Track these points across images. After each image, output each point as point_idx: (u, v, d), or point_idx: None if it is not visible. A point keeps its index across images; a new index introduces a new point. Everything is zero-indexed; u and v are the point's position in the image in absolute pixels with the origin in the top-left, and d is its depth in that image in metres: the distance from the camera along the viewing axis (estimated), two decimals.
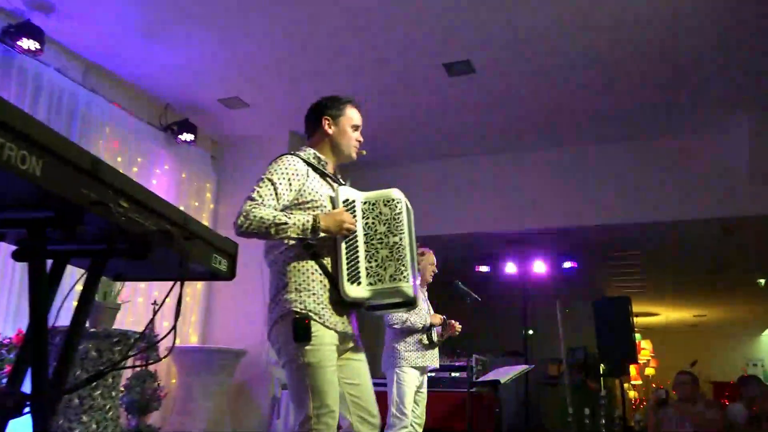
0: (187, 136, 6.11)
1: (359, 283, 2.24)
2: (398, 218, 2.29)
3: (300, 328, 2.18)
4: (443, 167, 7.49)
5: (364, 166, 7.31)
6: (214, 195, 6.83)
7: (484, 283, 8.55)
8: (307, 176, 2.34)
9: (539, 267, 8.47)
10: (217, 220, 6.79)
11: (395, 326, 4.17)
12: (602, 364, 7.27)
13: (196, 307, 6.42)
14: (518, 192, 7.15)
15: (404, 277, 2.23)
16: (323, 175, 2.43)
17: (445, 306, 4.61)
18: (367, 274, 2.24)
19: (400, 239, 2.27)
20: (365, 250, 2.27)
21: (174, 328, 1.52)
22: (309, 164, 2.40)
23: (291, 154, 2.41)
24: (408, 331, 4.20)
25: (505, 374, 4.89)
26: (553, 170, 7.06)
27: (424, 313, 4.28)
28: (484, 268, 8.58)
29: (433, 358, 4.28)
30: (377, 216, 2.31)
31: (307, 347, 2.19)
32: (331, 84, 5.78)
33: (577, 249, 8.44)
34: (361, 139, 2.53)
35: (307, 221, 2.23)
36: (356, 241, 2.28)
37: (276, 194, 2.28)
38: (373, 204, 2.33)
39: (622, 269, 10.01)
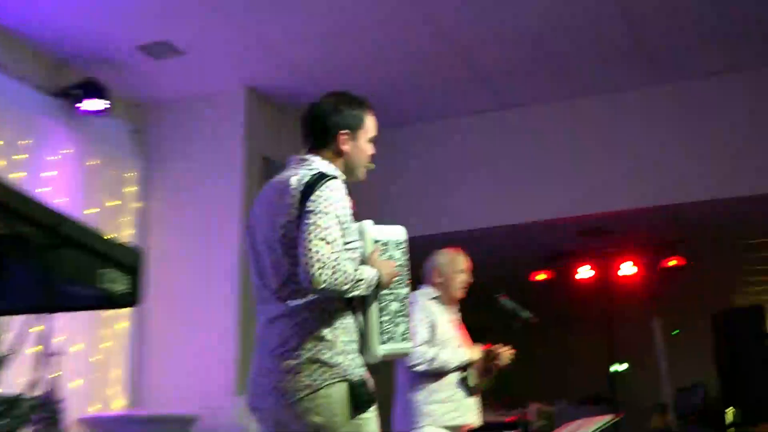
0: (95, 104, 6.10)
1: (383, 343, 2.70)
2: (407, 264, 2.80)
3: (364, 394, 2.58)
4: (472, 127, 7.53)
5: None
6: (141, 186, 6.84)
7: (544, 296, 8.52)
8: (349, 208, 2.69)
9: (628, 268, 8.42)
10: (148, 226, 6.81)
11: (419, 367, 4.15)
12: (730, 410, 7.21)
13: (119, 357, 6.43)
14: (594, 156, 7.16)
15: (410, 336, 2.80)
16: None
17: (482, 334, 4.57)
18: (381, 332, 2.70)
19: (407, 291, 2.80)
20: (378, 302, 2.72)
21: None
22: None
23: (333, 176, 2.69)
24: (436, 375, 4.19)
25: (580, 430, 4.87)
26: (650, 116, 7.05)
27: (457, 346, 4.25)
28: (543, 275, 8.54)
29: (471, 412, 4.27)
30: (393, 259, 2.78)
31: (366, 415, 2.59)
32: (301, 17, 5.70)
33: (687, 238, 8.40)
34: (373, 151, 2.90)
35: (375, 276, 2.64)
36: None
37: (341, 236, 2.59)
38: (385, 245, 2.78)
39: (760, 266, 9.96)
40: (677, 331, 10.64)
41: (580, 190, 7.12)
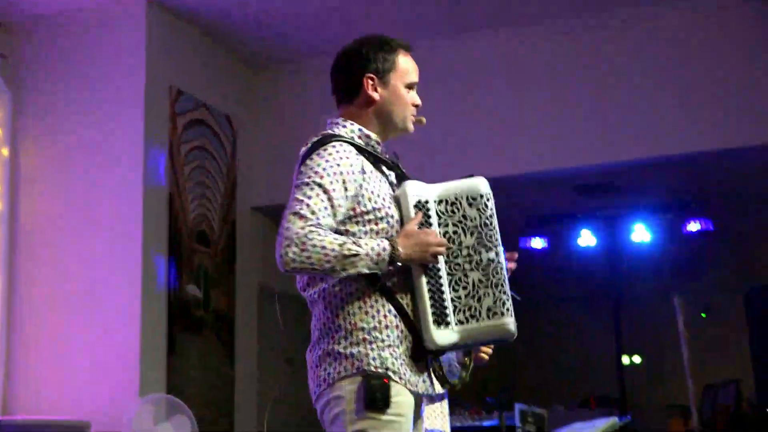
0: None
1: (447, 325, 2.81)
2: (490, 223, 2.87)
3: (377, 391, 2.73)
4: (449, 50, 7.51)
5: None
6: (8, 130, 6.75)
7: (535, 268, 8.55)
8: (363, 172, 2.88)
9: (641, 234, 8.50)
10: (19, 179, 6.73)
11: None
12: None
13: None
14: (591, 94, 7.19)
15: (507, 309, 2.82)
16: (377, 161, 2.97)
17: None
18: (456, 309, 2.83)
19: (497, 255, 2.85)
20: (448, 274, 2.85)
21: None
22: (359, 150, 2.93)
23: (335, 137, 2.92)
24: None
25: None
26: (664, 44, 7.10)
27: None
28: (537, 243, 8.59)
29: (435, 416, 4.18)
30: (460, 222, 2.88)
31: (384, 417, 2.75)
32: None
33: (714, 196, 8.42)
34: (419, 101, 3.09)
35: (383, 249, 2.76)
36: (438, 264, 2.84)
37: (332, 207, 2.78)
38: (453, 204, 2.90)
39: None
40: (704, 314, 10.76)
41: (576, 136, 7.15)
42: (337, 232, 2.78)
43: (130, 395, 6.15)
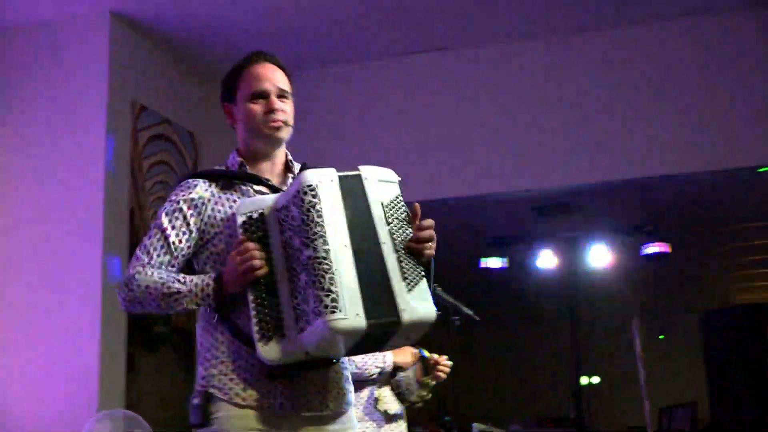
0: None
1: (282, 337, 2.72)
2: (308, 217, 2.72)
3: (193, 409, 2.83)
4: (387, 72, 7.53)
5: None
6: None
7: (495, 288, 8.58)
8: (209, 201, 2.98)
9: (600, 256, 8.56)
10: None
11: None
12: None
13: None
14: (549, 115, 7.22)
15: (326, 307, 2.62)
16: (246, 180, 3.04)
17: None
18: (296, 317, 2.72)
19: (314, 250, 2.68)
20: (289, 281, 2.76)
21: None
22: (214, 177, 3.05)
23: (197, 174, 3.07)
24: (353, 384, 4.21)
25: None
26: (621, 68, 7.16)
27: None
28: (494, 262, 8.62)
29: None
30: (291, 226, 2.78)
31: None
32: None
33: (670, 219, 8.51)
34: (278, 106, 3.07)
35: (207, 285, 2.83)
36: (274, 274, 2.78)
37: (168, 245, 2.91)
38: (285, 208, 2.80)
39: (758, 256, 10.21)
40: (662, 336, 10.84)
41: (535, 157, 7.18)
42: (188, 264, 2.96)
43: (88, 409, 6.09)
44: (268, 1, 6.61)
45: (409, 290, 2.71)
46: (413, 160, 7.31)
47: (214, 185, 3.00)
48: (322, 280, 2.63)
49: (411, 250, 2.78)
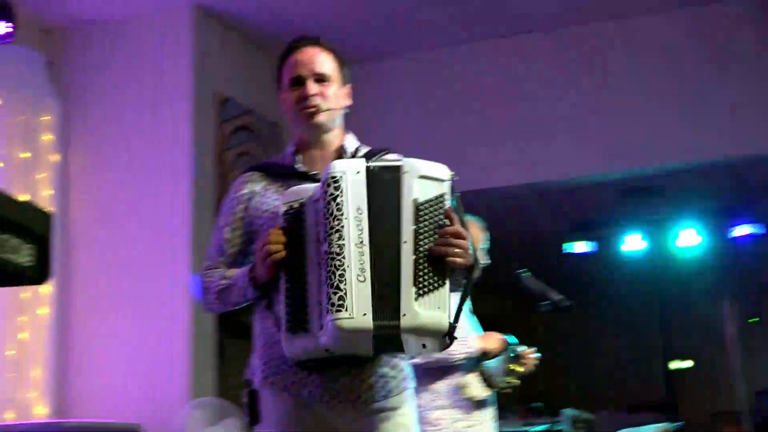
0: None
1: (306, 331, 2.68)
2: (328, 210, 2.66)
3: (245, 408, 2.90)
4: (477, 57, 7.49)
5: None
6: (59, 135, 6.81)
7: (581, 273, 8.55)
8: (257, 193, 3.02)
9: (689, 238, 8.44)
10: (67, 185, 6.79)
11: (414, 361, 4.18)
12: None
13: (39, 352, 6.44)
14: (638, 97, 7.13)
15: (333, 305, 2.58)
16: (292, 176, 3.01)
17: (496, 325, 4.60)
18: (320, 313, 2.66)
19: (329, 244, 2.63)
20: (318, 277, 2.69)
21: None
22: (268, 170, 3.10)
23: (251, 168, 3.14)
24: (438, 371, 4.25)
25: None
26: (709, 47, 7.06)
27: (465, 334, 4.28)
28: (581, 246, 8.57)
29: (485, 422, 4.30)
30: (319, 216, 2.72)
31: None
32: None
33: (761, 199, 8.40)
34: (312, 91, 3.01)
35: (244, 274, 2.87)
36: (305, 267, 2.72)
37: (225, 242, 3.03)
38: (317, 199, 2.75)
39: None
40: (756, 319, 10.67)
41: (622, 139, 7.12)
42: (245, 257, 3.00)
43: (180, 399, 6.19)
44: None
45: (420, 295, 2.61)
46: (498, 145, 7.29)
47: (266, 177, 3.05)
48: (332, 276, 2.60)
49: (436, 255, 2.65)
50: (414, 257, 2.63)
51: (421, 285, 2.61)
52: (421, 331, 2.63)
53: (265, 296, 2.87)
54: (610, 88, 7.19)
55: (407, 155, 2.82)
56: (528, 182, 7.31)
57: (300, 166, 3.04)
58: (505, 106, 7.39)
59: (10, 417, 6.07)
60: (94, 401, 6.46)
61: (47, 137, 6.71)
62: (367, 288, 2.60)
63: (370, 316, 2.58)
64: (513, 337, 4.50)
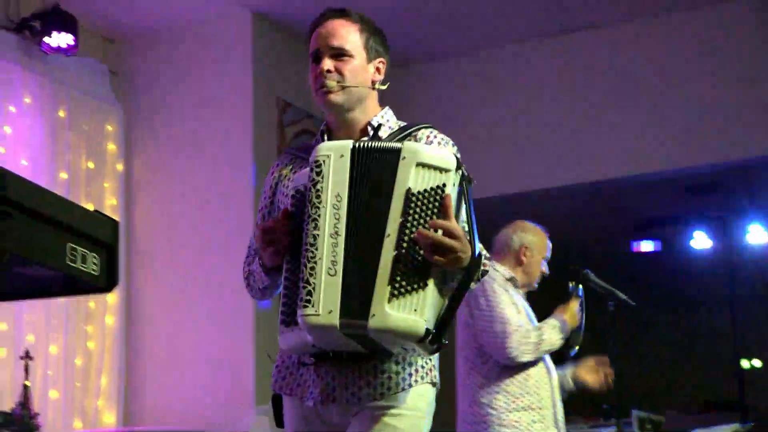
0: (61, 38, 6.13)
1: (289, 326, 2.56)
2: (309, 196, 2.52)
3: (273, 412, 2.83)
4: (533, 54, 7.46)
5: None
6: (122, 144, 6.88)
7: (646, 273, 8.47)
8: (284, 177, 2.88)
9: (757, 235, 8.34)
10: (132, 192, 6.86)
11: (525, 356, 4.23)
12: None
13: (106, 360, 6.51)
14: (700, 88, 7.04)
15: (307, 301, 2.44)
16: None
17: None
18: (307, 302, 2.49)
19: (305, 234, 2.49)
20: (309, 268, 2.51)
21: None
22: (296, 155, 2.94)
23: (283, 152, 3.09)
24: (518, 371, 4.31)
25: None
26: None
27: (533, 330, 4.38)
28: (646, 245, 8.48)
29: (555, 425, 4.38)
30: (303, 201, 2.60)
31: None
32: None
33: None
34: (327, 66, 2.83)
35: (260, 258, 2.77)
36: (298, 252, 2.55)
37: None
38: (304, 187, 2.62)
39: None
40: None
41: (686, 134, 7.02)
42: None
43: (246, 405, 6.22)
44: None
45: (395, 296, 2.39)
46: (560, 144, 7.23)
47: (294, 160, 2.91)
48: (304, 269, 2.45)
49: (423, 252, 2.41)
50: (395, 253, 2.41)
51: (397, 284, 2.40)
52: (391, 334, 2.42)
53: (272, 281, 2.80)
54: (674, 82, 7.09)
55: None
56: (590, 181, 7.24)
57: None
58: (563, 105, 7.34)
59: (78, 426, 6.13)
60: (160, 409, 6.52)
61: (111, 146, 6.79)
62: (337, 283, 2.43)
63: (336, 313, 2.41)
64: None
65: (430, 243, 2.38)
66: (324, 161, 2.51)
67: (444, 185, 2.45)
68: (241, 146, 6.64)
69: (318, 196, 2.48)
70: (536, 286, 4.58)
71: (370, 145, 2.56)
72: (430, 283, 2.41)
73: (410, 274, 2.40)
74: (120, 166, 6.82)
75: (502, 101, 7.47)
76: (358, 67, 2.82)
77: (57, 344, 6.05)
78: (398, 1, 6.62)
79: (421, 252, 2.40)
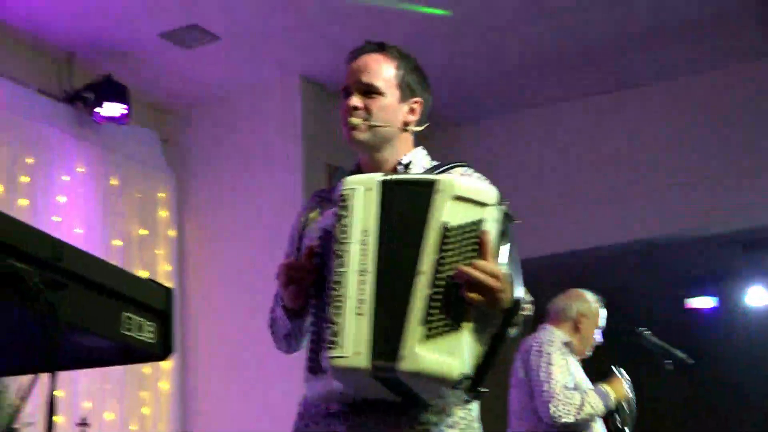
0: (113, 108, 6.23)
1: (316, 373, 2.40)
2: (335, 232, 2.36)
3: None
4: (579, 112, 7.46)
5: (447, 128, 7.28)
6: (174, 210, 6.97)
7: (704, 328, 8.37)
8: (306, 225, 2.75)
9: None
10: (184, 258, 6.92)
11: (566, 418, 4.29)
12: None
13: (161, 426, 6.55)
14: (760, 144, 6.99)
15: (332, 342, 2.28)
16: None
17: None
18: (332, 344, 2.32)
19: (330, 272, 2.35)
20: (335, 308, 2.35)
21: None
22: (324, 197, 2.82)
23: (314, 194, 2.96)
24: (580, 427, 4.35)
25: None
26: None
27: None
28: (700, 302, 8.40)
29: None
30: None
31: None
32: None
33: None
34: (354, 103, 2.67)
35: (279, 299, 2.64)
36: (324, 293, 2.40)
37: None
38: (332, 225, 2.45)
39: None
40: None
41: (743, 192, 6.95)
42: None
43: None
44: (453, 54, 6.67)
45: (429, 337, 2.22)
46: (612, 201, 7.19)
47: (322, 202, 2.75)
48: (330, 309, 2.29)
49: (458, 292, 2.25)
50: (429, 291, 2.25)
51: (431, 325, 2.23)
52: (423, 378, 2.24)
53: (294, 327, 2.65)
54: (728, 138, 7.05)
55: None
56: (645, 238, 7.19)
57: None
58: (613, 162, 7.30)
59: None
60: None
61: (163, 213, 6.86)
62: (365, 323, 2.26)
63: (365, 355, 2.24)
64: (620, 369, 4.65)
65: (468, 281, 2.23)
66: (350, 195, 2.35)
67: (482, 219, 2.30)
68: (291, 211, 6.65)
69: (344, 232, 2.32)
70: (589, 354, 4.71)
71: (400, 178, 2.43)
72: (467, 325, 2.24)
73: (445, 315, 2.24)
74: (172, 232, 6.89)
75: (552, 159, 7.45)
76: (388, 106, 2.67)
77: (113, 410, 6.08)
78: (450, 58, 6.66)
79: (458, 291, 2.24)
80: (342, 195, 2.36)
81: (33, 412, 4.93)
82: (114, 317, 1.70)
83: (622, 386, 4.51)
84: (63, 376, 5.80)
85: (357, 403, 2.42)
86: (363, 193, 2.34)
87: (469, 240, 2.28)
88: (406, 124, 2.71)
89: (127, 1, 5.89)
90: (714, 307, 8.54)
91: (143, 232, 6.69)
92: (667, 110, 7.25)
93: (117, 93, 6.24)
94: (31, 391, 1.54)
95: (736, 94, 7.07)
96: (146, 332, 1.77)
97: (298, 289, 2.46)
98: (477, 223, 2.29)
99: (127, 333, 1.72)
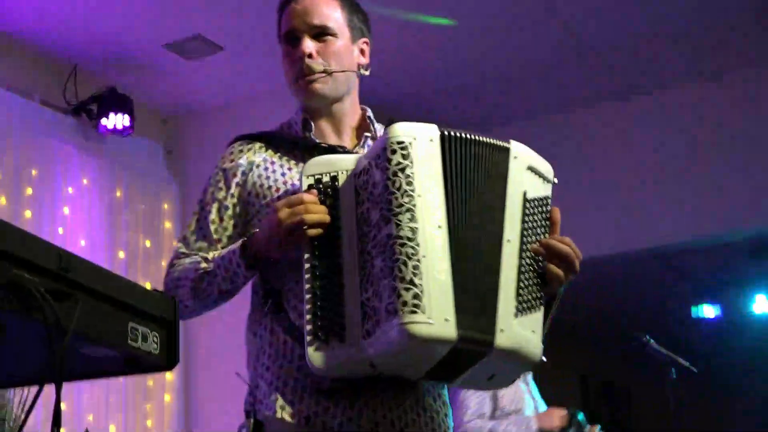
0: (118, 119, 6.24)
1: (341, 340, 2.06)
2: (394, 183, 2.05)
3: None
4: (593, 119, 7.46)
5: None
6: (178, 221, 6.95)
7: (709, 337, 8.36)
8: (257, 167, 2.41)
9: None
10: None
11: None
12: None
13: None
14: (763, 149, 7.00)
15: (405, 304, 1.96)
16: (306, 149, 2.40)
17: (612, 393, 4.55)
18: (365, 316, 2.05)
19: (397, 227, 2.02)
20: (360, 269, 2.09)
21: None
22: (267, 141, 2.47)
23: (248, 136, 2.51)
24: None
25: None
26: None
27: (524, 407, 4.31)
28: (707, 311, 8.41)
29: None
30: (370, 192, 2.12)
31: None
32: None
33: None
34: (308, 48, 2.40)
35: (233, 251, 2.26)
36: (340, 257, 2.12)
37: (207, 225, 2.40)
38: (366, 171, 2.15)
39: None
40: None
41: (749, 196, 6.96)
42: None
43: None
44: (462, 62, 6.67)
45: (520, 311, 2.05)
46: (617, 208, 7.19)
47: (268, 148, 2.46)
48: (403, 267, 1.97)
49: (538, 266, 2.12)
50: (518, 262, 2.08)
51: (523, 298, 2.06)
52: (513, 356, 2.05)
53: (269, 294, 2.32)
54: (736, 145, 7.05)
55: None
56: (649, 246, 7.18)
57: (313, 138, 2.43)
58: (620, 168, 7.31)
59: None
60: None
61: (168, 224, 6.87)
62: (449, 287, 1.99)
63: (453, 323, 1.97)
64: (581, 413, 4.37)
65: (557, 254, 2.13)
66: (410, 143, 2.07)
67: (549, 196, 2.22)
68: None
69: (410, 183, 2.03)
70: None
71: (462, 135, 2.15)
72: (542, 300, 2.13)
73: (533, 290, 2.10)
74: (176, 243, 6.84)
75: (562, 169, 7.44)
76: (343, 49, 2.44)
77: (116, 423, 6.08)
78: (460, 66, 6.68)
79: (541, 265, 2.12)
80: (401, 142, 2.07)
81: (35, 424, 4.95)
82: (120, 327, 1.70)
83: (556, 418, 4.27)
84: (67, 388, 5.73)
85: (359, 380, 2.15)
86: (426, 144, 2.09)
87: (543, 215, 2.18)
88: (359, 67, 2.51)
89: (131, 12, 5.91)
90: (718, 316, 8.53)
91: (147, 243, 6.70)
92: (673, 118, 7.25)
93: (121, 104, 6.26)
94: (35, 404, 1.53)
95: (743, 102, 7.08)
96: (151, 342, 1.77)
97: (300, 232, 2.11)
98: (547, 199, 2.21)
99: (132, 343, 1.71)
